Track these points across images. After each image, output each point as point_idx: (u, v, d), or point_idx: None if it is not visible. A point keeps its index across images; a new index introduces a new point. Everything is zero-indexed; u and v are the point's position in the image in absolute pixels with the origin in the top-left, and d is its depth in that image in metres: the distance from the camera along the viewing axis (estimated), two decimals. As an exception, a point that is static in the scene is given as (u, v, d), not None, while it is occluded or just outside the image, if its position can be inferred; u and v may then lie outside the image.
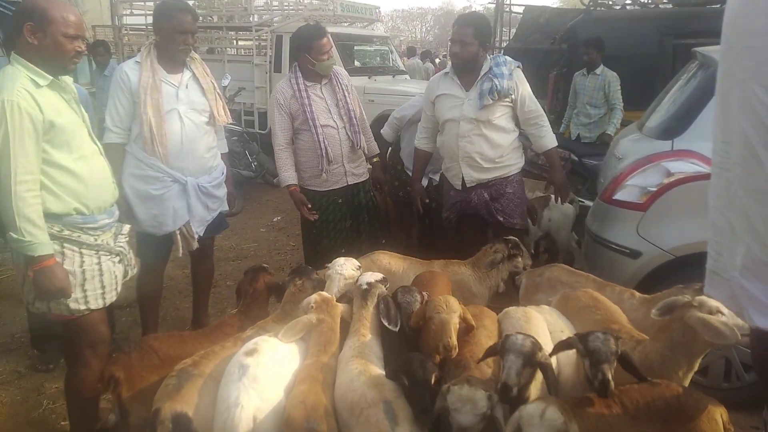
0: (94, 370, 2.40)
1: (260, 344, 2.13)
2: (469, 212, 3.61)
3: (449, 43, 3.80)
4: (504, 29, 10.01)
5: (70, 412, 2.61)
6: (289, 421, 1.88)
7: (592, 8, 7.35)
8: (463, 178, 3.53)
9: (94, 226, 2.38)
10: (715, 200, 1.52)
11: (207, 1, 13.60)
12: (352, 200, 3.80)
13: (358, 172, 3.81)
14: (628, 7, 7.98)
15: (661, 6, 7.89)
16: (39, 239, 2.14)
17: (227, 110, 3.36)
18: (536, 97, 3.54)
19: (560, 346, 2.07)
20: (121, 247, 2.52)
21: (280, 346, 2.20)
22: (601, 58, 6.02)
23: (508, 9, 10.06)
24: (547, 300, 2.77)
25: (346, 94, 3.67)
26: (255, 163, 7.27)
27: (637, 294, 2.68)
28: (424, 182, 4.34)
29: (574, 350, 2.03)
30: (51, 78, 2.25)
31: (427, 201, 3.94)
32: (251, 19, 9.96)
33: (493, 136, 3.42)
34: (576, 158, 5.04)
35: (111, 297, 2.47)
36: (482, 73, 3.38)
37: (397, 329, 2.32)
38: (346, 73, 3.83)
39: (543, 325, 2.41)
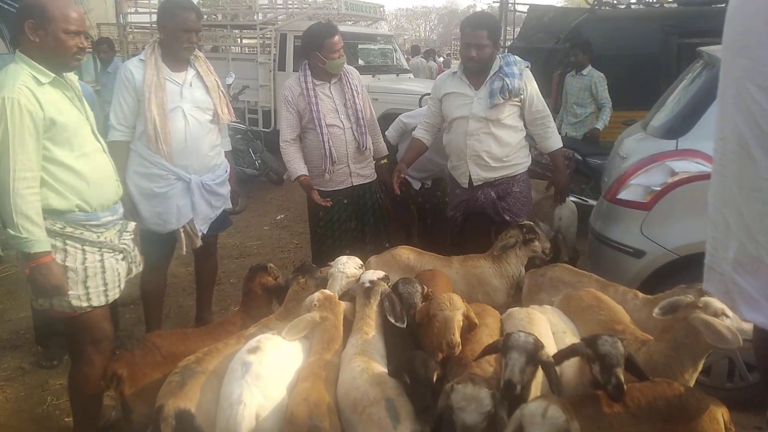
0: (97, 367, 2.41)
1: (263, 342, 2.14)
2: (475, 211, 3.60)
3: (457, 44, 3.83)
4: (508, 28, 9.98)
5: (73, 408, 2.62)
6: (292, 418, 1.88)
7: (596, 7, 7.32)
8: (470, 176, 3.51)
9: (97, 223, 2.38)
10: (713, 197, 1.52)
11: (211, 0, 13.63)
12: (357, 201, 3.75)
13: (365, 174, 3.74)
14: (632, 6, 7.94)
15: (665, 5, 7.88)
16: (36, 236, 2.14)
17: (231, 108, 3.37)
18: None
19: (565, 354, 2.03)
20: (125, 244, 2.52)
21: (283, 344, 2.20)
22: (589, 60, 6.12)
23: (512, 8, 10.06)
24: (550, 300, 2.76)
25: (355, 95, 3.62)
26: (259, 161, 7.26)
27: (641, 294, 2.67)
28: (417, 186, 4.34)
29: (574, 351, 2.02)
30: (53, 75, 2.25)
31: (420, 200, 3.93)
32: (255, 17, 10.00)
33: (501, 135, 3.40)
34: (580, 157, 5.03)
35: (114, 294, 2.47)
36: (492, 72, 3.36)
37: (404, 326, 2.31)
38: (358, 73, 3.78)
39: (546, 326, 2.41)
